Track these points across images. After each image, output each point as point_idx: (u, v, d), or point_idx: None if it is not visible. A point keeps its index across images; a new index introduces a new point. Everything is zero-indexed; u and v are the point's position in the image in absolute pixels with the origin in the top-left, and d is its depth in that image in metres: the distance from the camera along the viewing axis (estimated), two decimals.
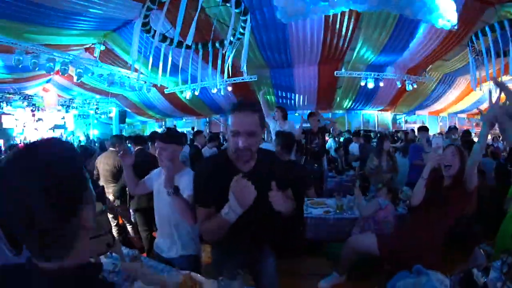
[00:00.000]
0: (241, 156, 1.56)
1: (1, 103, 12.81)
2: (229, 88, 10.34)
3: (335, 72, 10.26)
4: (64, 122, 16.16)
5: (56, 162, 0.67)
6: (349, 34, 8.29)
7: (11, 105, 13.26)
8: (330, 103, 13.00)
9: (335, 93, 11.95)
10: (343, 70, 10.56)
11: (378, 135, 7.48)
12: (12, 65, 7.81)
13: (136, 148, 4.14)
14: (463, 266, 2.80)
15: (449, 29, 6.63)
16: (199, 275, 1.96)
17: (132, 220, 4.37)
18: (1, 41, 6.84)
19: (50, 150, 0.71)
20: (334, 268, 3.33)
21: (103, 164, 4.24)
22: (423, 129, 6.11)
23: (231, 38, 5.78)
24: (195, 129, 11.30)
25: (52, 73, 8.31)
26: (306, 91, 11.65)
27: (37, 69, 7.76)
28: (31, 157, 0.66)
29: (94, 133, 16.12)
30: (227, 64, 6.46)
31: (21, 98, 13.06)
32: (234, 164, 1.64)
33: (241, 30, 5.65)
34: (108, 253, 2.10)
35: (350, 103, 13.37)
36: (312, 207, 3.95)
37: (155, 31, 5.70)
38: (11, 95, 12.71)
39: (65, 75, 8.34)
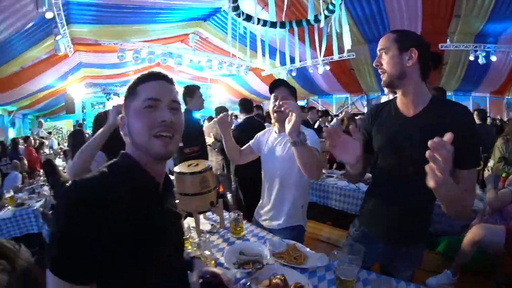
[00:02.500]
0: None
1: (111, 95, 15.12)
2: (327, 67, 9.79)
3: (439, 45, 8.57)
4: None
5: None
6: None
7: (118, 96, 15.20)
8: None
9: (442, 71, 9.99)
10: (448, 42, 8.73)
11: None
12: (116, 62, 8.91)
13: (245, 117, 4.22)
14: None
15: None
16: (304, 247, 1.84)
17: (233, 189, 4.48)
18: (106, 43, 7.84)
19: None
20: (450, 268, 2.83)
21: (206, 134, 4.35)
22: None
23: (325, 12, 5.46)
24: None
25: (153, 63, 9.04)
26: None
27: (139, 62, 8.67)
28: None
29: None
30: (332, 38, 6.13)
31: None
32: (399, 110, 1.49)
33: (333, 1, 5.24)
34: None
35: (458, 83, 10.88)
36: None
37: (246, 14, 5.68)
38: (118, 88, 14.89)
39: (165, 64, 9.10)
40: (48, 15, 4.97)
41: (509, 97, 11.72)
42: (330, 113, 7.52)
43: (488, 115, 9.19)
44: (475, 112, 5.86)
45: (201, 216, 2.13)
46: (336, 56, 6.55)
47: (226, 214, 2.30)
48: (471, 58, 8.83)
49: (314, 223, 4.33)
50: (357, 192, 3.84)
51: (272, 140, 2.22)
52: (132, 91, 0.95)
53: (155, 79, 0.95)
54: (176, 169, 2.02)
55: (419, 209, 1.49)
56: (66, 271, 0.74)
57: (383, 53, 1.43)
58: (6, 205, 4.31)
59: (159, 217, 0.95)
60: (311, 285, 1.45)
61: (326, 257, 1.69)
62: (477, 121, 5.62)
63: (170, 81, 0.98)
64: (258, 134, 2.37)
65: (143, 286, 0.89)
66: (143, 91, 0.92)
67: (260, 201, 2.32)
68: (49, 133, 13.53)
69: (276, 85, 2.13)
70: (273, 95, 2.13)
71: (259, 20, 5.95)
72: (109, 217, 0.78)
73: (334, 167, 5.57)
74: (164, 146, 0.90)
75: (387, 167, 1.53)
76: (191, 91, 3.51)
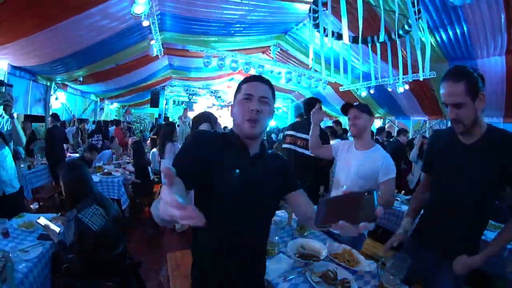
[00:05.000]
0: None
1: (193, 96, 16.82)
2: (406, 87, 9.13)
3: None
4: None
5: None
6: None
7: (199, 97, 17.18)
8: None
9: None
10: None
11: None
12: (201, 67, 9.79)
13: None
14: None
15: None
16: (358, 253, 2.04)
17: None
18: (193, 50, 8.61)
19: None
20: None
21: None
22: None
23: (406, 27, 5.39)
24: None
25: (235, 71, 9.55)
26: (492, 91, 7.98)
27: (223, 69, 9.24)
28: None
29: (271, 124, 17.77)
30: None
31: (209, 92, 16.76)
32: (459, 138, 1.66)
33: (414, 16, 5.08)
34: None
35: None
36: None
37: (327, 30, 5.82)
38: (199, 90, 16.44)
39: (247, 73, 9.45)
40: (145, 23, 5.68)
41: None
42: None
43: None
44: None
45: None
46: (420, 76, 6.38)
47: (293, 214, 2.58)
48: None
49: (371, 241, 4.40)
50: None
51: (349, 154, 2.45)
52: (238, 88, 1.34)
53: (253, 80, 1.33)
54: None
55: (471, 228, 1.62)
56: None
57: (460, 107, 1.50)
58: (95, 172, 5.10)
59: (245, 171, 1.29)
60: (356, 285, 1.66)
61: (376, 266, 1.88)
62: None
63: (264, 81, 1.33)
64: (341, 142, 2.67)
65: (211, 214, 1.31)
66: (243, 88, 1.31)
67: None
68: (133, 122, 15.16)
69: (347, 108, 2.45)
70: (348, 116, 2.44)
71: (340, 35, 6.02)
72: (207, 152, 1.26)
73: (402, 192, 5.51)
74: (250, 128, 1.25)
75: (444, 187, 1.70)
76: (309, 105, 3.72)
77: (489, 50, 7.08)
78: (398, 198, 4.40)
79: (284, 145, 3.76)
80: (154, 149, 6.28)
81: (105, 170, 5.21)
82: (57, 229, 2.23)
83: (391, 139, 7.49)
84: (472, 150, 1.56)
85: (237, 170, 1.27)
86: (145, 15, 5.09)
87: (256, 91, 1.28)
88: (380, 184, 2.23)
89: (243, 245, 1.33)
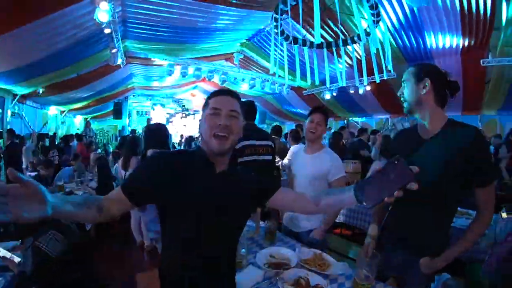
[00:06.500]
0: None
1: (156, 105, 16.66)
2: (368, 88, 9.65)
3: (481, 61, 7.43)
4: None
5: None
6: (489, 11, 5.95)
7: (163, 107, 17.03)
8: (478, 103, 9.56)
9: (484, 90, 8.90)
10: (489, 58, 7.41)
11: None
12: (164, 75, 9.71)
13: None
14: None
15: None
16: (330, 256, 2.04)
17: None
18: (155, 57, 8.57)
19: None
20: None
21: None
22: None
23: (367, 29, 5.48)
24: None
25: (199, 79, 9.38)
26: None
27: (186, 77, 9.21)
28: None
29: None
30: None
31: (173, 101, 16.73)
32: (418, 133, 1.73)
33: (373, 18, 5.14)
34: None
35: (503, 101, 9.19)
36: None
37: (288, 35, 5.88)
38: (163, 99, 16.30)
39: (211, 81, 9.62)
40: (106, 31, 5.50)
41: None
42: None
43: None
44: None
45: None
46: (377, 78, 6.58)
47: (261, 223, 2.60)
48: None
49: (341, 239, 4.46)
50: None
51: (301, 159, 2.67)
52: (206, 103, 1.31)
53: (221, 94, 1.30)
54: None
55: (436, 223, 1.65)
56: (125, 187, 1.21)
57: (404, 84, 1.70)
58: (56, 192, 4.76)
59: (209, 189, 1.26)
60: None
61: (348, 266, 1.90)
62: None
63: (232, 95, 1.31)
64: (295, 147, 2.77)
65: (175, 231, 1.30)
66: (211, 102, 1.28)
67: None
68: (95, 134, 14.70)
69: (314, 110, 2.65)
70: (310, 117, 2.61)
71: (304, 41, 6.11)
72: (166, 171, 1.23)
73: None
74: (219, 144, 1.22)
75: None
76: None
77: (445, 51, 7.53)
78: None
79: (246, 158, 3.09)
80: (117, 164, 6.06)
81: (67, 190, 4.95)
82: (17, 259, 2.10)
83: (354, 139, 7.83)
84: (430, 143, 1.62)
85: (199, 188, 1.24)
86: (107, 22, 4.92)
87: (224, 105, 1.25)
88: (332, 183, 2.43)
89: (209, 263, 1.30)
